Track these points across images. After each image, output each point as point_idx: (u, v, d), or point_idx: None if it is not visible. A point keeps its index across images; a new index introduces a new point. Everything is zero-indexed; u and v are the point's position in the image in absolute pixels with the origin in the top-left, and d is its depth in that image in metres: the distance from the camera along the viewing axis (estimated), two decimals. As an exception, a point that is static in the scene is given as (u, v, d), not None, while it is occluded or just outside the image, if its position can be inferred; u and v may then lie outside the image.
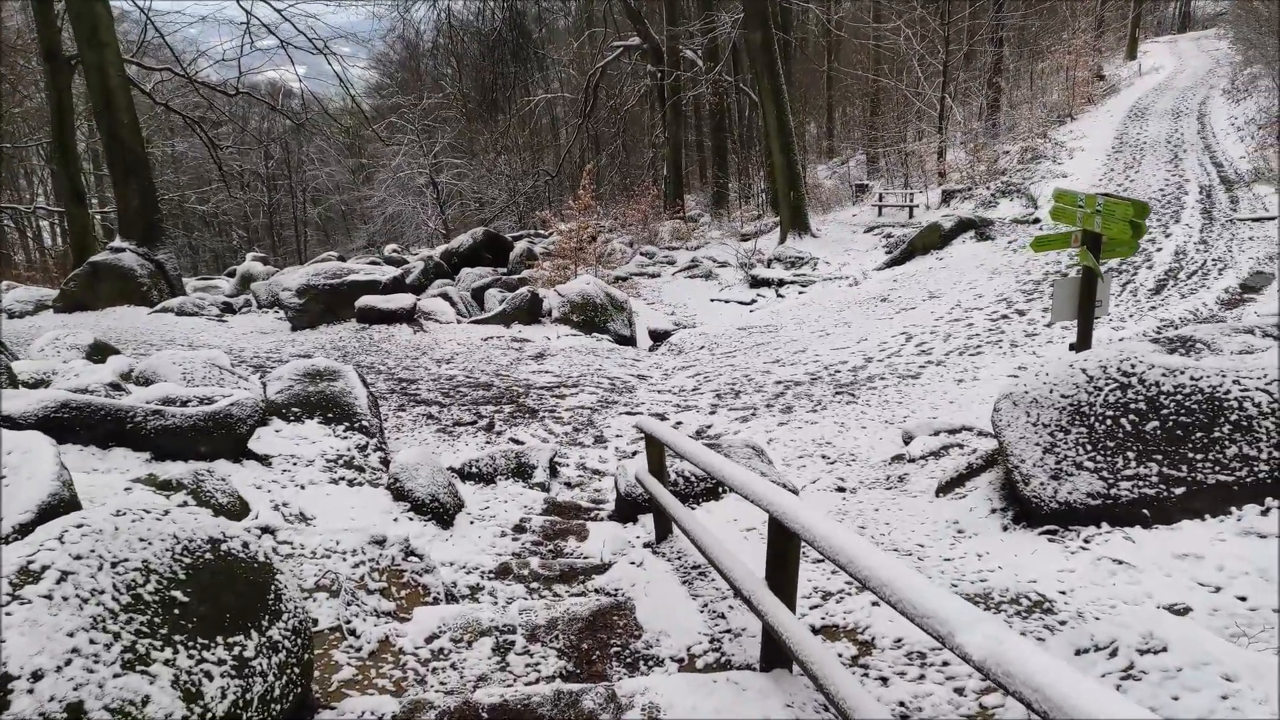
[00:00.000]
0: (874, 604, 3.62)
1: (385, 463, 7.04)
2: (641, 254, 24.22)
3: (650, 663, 3.50)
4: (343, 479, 5.73)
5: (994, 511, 5.07)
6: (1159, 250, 14.01)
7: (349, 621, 3.58)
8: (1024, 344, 10.56)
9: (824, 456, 7.88)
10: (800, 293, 16.65)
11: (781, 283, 18.25)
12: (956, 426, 7.95)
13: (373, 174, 46.07)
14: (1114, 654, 2.94)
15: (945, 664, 3.11)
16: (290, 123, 29.63)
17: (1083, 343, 7.34)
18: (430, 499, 5.47)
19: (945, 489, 5.76)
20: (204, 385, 6.58)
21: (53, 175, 30.51)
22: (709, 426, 8.83)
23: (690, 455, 4.17)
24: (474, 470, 6.86)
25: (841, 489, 6.59)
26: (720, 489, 5.85)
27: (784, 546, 2.84)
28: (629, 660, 3.53)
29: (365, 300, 13.56)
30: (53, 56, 18.94)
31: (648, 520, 5.74)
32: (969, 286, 13.87)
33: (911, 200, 23.70)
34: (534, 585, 4.61)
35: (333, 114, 29.32)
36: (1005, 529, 4.84)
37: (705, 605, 3.98)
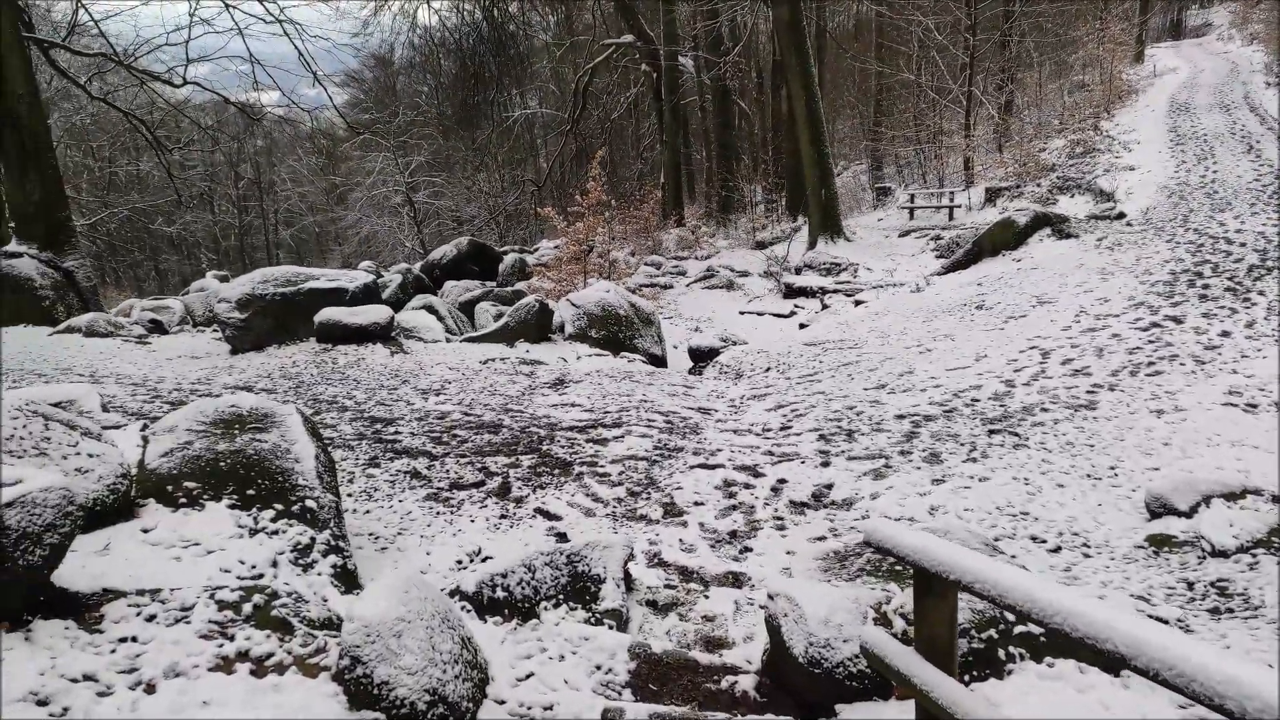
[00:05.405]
0: None
1: (343, 575, 4.14)
2: (647, 264, 21.45)
3: None
4: (244, 655, 2.82)
5: None
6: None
7: None
8: (1212, 360, 7.86)
9: (1033, 538, 5.07)
10: (857, 304, 13.90)
11: (824, 291, 15.53)
12: (1235, 488, 5.20)
13: (346, 194, 43.60)
14: None
15: None
16: (248, 121, 26.50)
17: None
18: (429, 698, 2.59)
19: None
20: (10, 453, 3.66)
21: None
22: (829, 486, 5.99)
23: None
24: (499, 594, 3.97)
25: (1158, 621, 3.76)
26: (1009, 653, 3.01)
27: None
28: None
29: (328, 314, 10.51)
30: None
31: (856, 714, 2.92)
32: (1081, 289, 11.21)
33: (952, 200, 21.13)
34: None
35: (308, 127, 26.15)
36: None
37: None
